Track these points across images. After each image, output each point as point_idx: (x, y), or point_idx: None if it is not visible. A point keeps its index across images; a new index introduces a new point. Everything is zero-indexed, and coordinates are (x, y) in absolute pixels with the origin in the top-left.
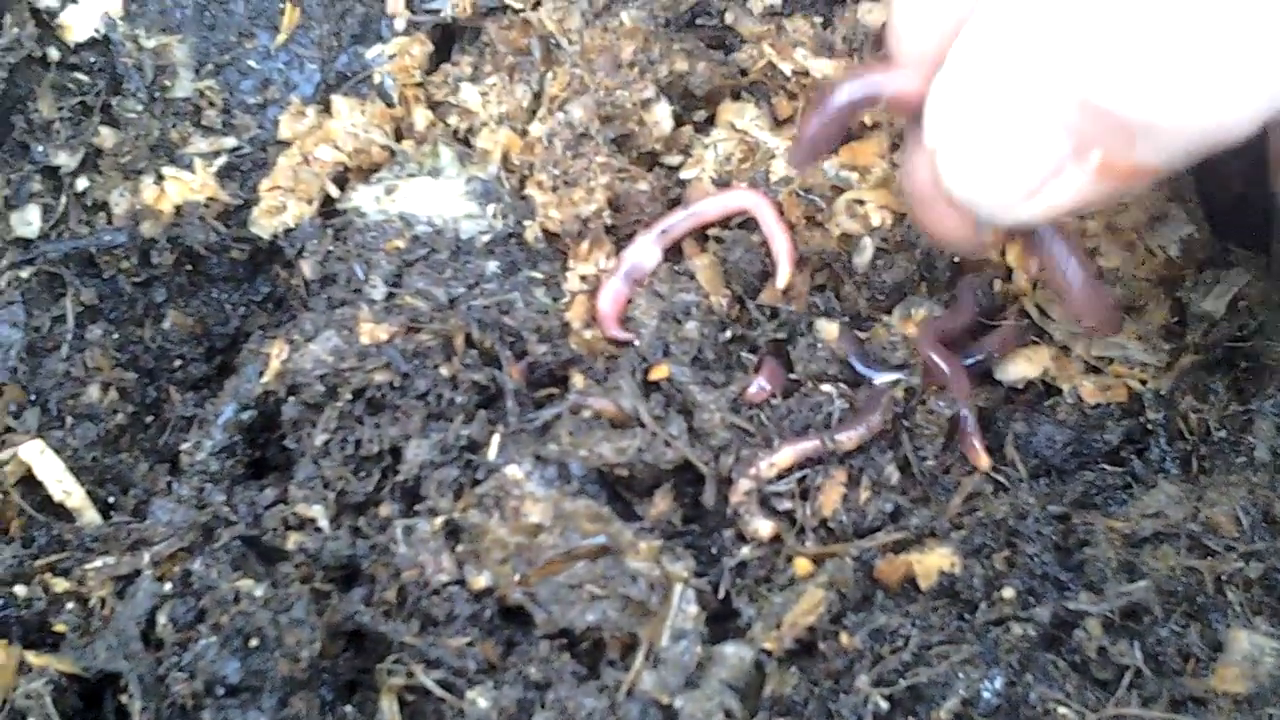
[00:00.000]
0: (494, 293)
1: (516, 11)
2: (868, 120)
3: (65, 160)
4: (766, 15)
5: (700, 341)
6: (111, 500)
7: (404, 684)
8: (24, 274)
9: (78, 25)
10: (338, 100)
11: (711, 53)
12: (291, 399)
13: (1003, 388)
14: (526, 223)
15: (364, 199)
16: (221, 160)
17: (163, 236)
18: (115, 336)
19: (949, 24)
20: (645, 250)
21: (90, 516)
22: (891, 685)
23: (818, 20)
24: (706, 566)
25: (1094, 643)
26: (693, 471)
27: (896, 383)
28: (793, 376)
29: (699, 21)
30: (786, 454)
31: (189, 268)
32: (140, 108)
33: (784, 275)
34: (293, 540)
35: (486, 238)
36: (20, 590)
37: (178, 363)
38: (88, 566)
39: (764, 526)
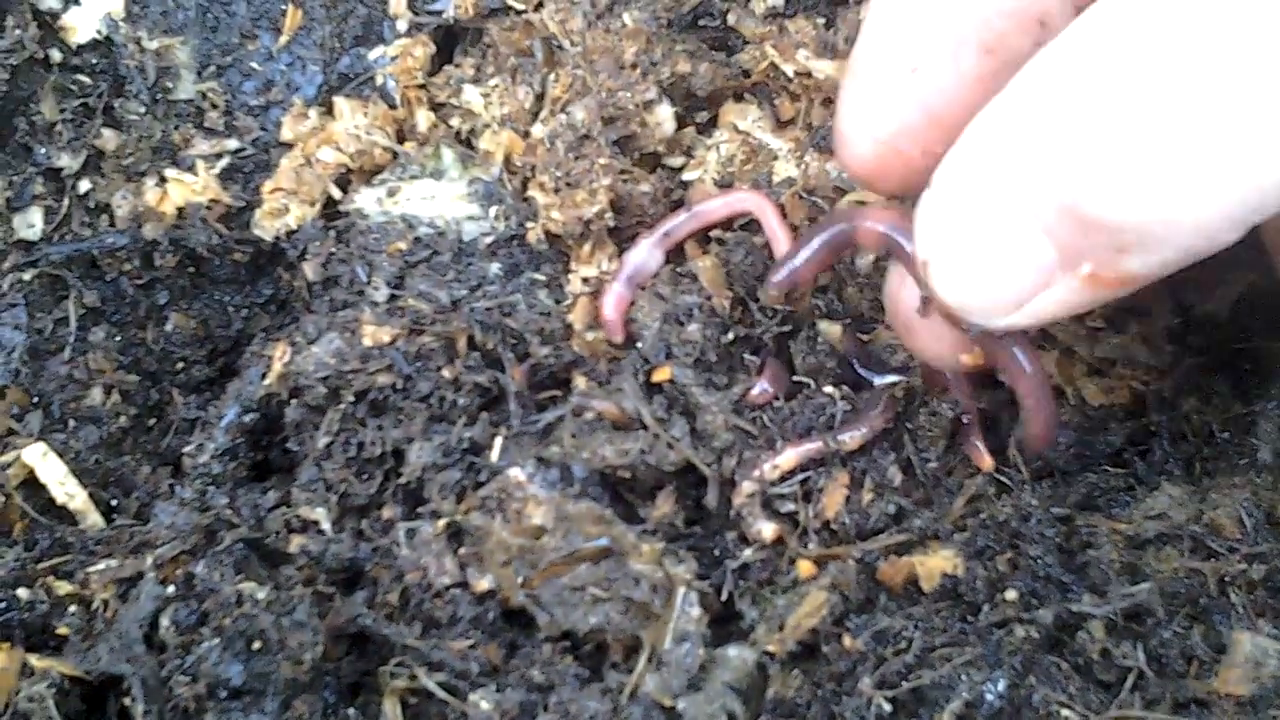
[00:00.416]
0: (496, 295)
1: (519, 13)
2: None
3: (67, 162)
4: (769, 16)
5: (703, 343)
6: (114, 503)
7: (407, 686)
8: (26, 276)
9: (80, 27)
10: (340, 102)
11: (714, 54)
12: (294, 401)
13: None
14: (529, 224)
15: (366, 201)
16: (224, 162)
17: (165, 238)
18: (118, 339)
19: (893, 128)
20: (648, 253)
21: (93, 519)
22: (894, 687)
23: (820, 21)
24: (709, 569)
25: (1097, 645)
26: (695, 473)
27: (897, 384)
28: (795, 379)
29: (701, 23)
30: (789, 456)
31: (191, 270)
32: (142, 109)
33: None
34: (295, 543)
35: (489, 239)
36: (23, 593)
37: (180, 365)
38: (90, 569)
39: (767, 529)
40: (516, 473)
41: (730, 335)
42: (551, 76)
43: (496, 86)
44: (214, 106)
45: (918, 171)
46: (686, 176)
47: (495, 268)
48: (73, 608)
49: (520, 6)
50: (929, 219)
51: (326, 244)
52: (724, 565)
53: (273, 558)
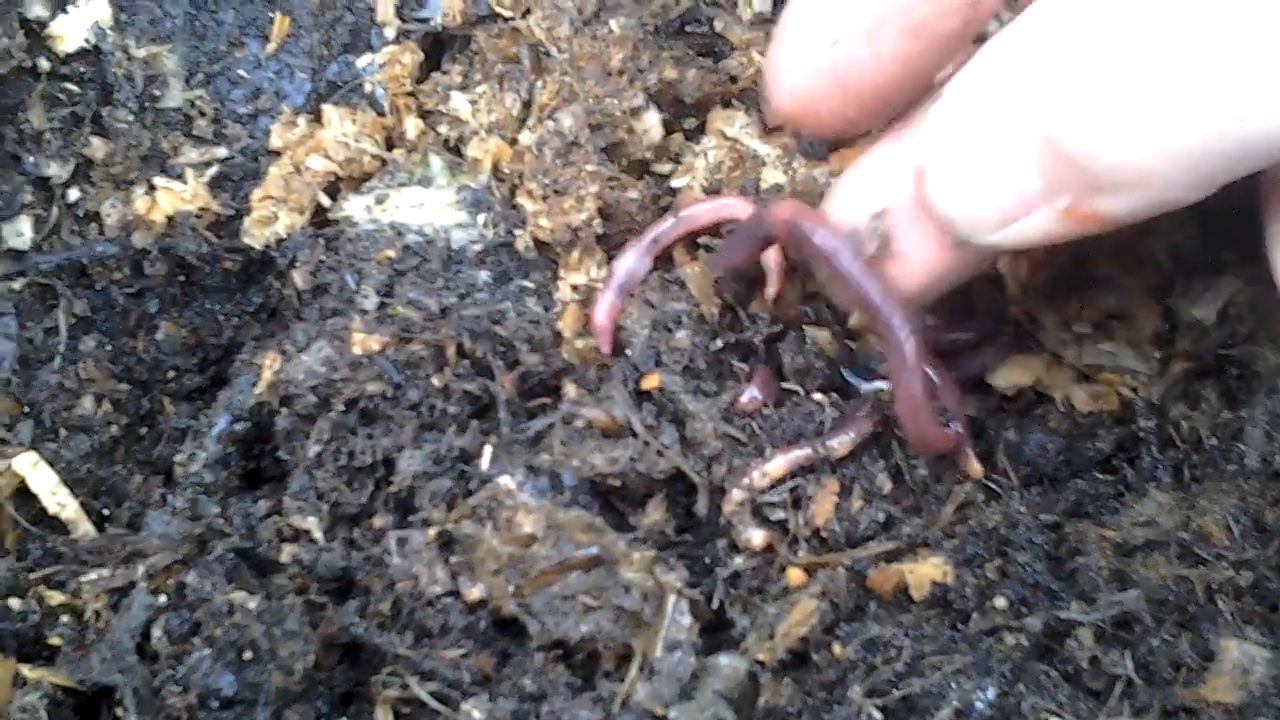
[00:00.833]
0: (485, 302)
1: (506, 20)
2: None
3: (56, 171)
4: (756, 22)
5: (692, 351)
6: (106, 512)
7: (399, 696)
8: (16, 285)
9: (68, 35)
10: (329, 109)
11: (701, 60)
12: (284, 410)
13: (994, 396)
14: (517, 232)
15: (355, 208)
16: (213, 170)
17: (155, 247)
18: (108, 348)
19: (810, 90)
20: (636, 260)
21: (84, 529)
22: (884, 695)
23: None
24: (700, 577)
25: (1086, 652)
26: (685, 481)
27: (885, 389)
28: (785, 386)
29: (688, 29)
30: (779, 463)
31: (181, 278)
32: (131, 118)
33: (774, 285)
34: (287, 552)
35: (478, 247)
36: (15, 603)
37: (171, 374)
38: (82, 579)
39: (756, 536)
40: (507, 481)
41: (719, 342)
42: (539, 83)
43: (484, 94)
44: (202, 114)
45: (837, 124)
46: (675, 183)
47: (484, 275)
48: (65, 618)
49: (508, 14)
50: (933, 128)
51: (316, 252)
52: (715, 573)
53: (264, 567)
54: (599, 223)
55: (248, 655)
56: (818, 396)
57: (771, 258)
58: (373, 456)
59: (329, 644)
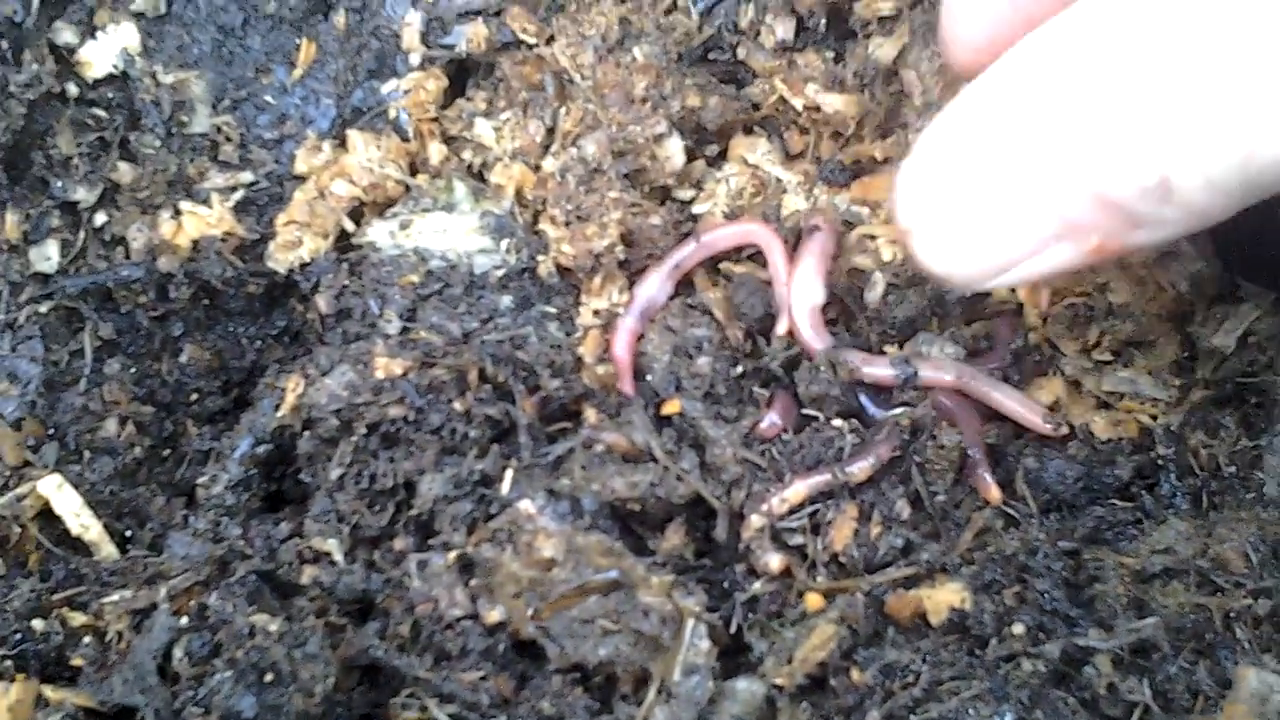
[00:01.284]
0: (507, 327)
1: (530, 47)
2: (879, 155)
3: (83, 195)
4: (778, 50)
5: (712, 376)
6: (128, 534)
7: (418, 718)
8: (42, 309)
9: (96, 61)
10: (353, 135)
11: (723, 88)
12: (307, 433)
13: (1013, 423)
14: (540, 257)
15: (379, 234)
16: (238, 195)
17: (180, 271)
18: (133, 371)
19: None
20: (658, 286)
21: (107, 550)
22: None
23: (829, 55)
24: (718, 601)
25: (1104, 679)
26: (705, 506)
27: (904, 414)
28: (804, 412)
29: (711, 56)
30: (798, 489)
31: (206, 302)
32: (158, 143)
33: (784, 322)
34: (308, 574)
35: (500, 272)
36: (38, 624)
37: (194, 397)
38: (105, 600)
39: (775, 561)
40: (527, 505)
41: (739, 368)
42: (563, 110)
43: (508, 120)
44: (228, 140)
45: None
46: (696, 209)
47: (506, 300)
48: (87, 639)
49: (532, 41)
50: (913, 187)
51: (339, 276)
52: (733, 598)
53: (285, 589)
54: (621, 249)
55: (269, 677)
56: (837, 422)
57: (781, 295)
58: (394, 479)
59: (348, 666)
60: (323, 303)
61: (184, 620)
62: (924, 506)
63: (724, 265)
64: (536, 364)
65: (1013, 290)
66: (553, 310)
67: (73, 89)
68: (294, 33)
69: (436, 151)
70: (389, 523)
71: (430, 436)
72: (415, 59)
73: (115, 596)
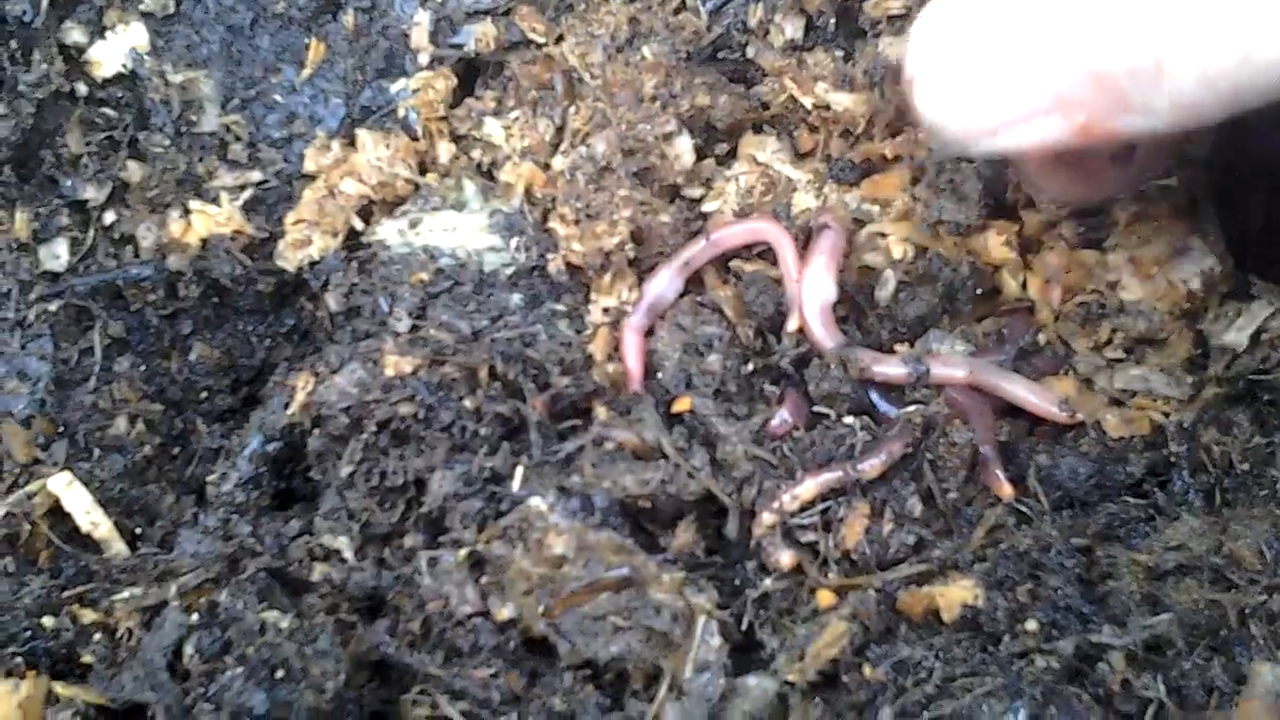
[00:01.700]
0: (517, 325)
1: (539, 46)
2: (889, 153)
3: (93, 194)
4: (787, 49)
5: (723, 374)
6: (139, 531)
7: (429, 715)
8: (52, 307)
9: (105, 61)
10: (362, 134)
11: (733, 86)
12: (316, 431)
13: (1026, 420)
14: (549, 255)
15: (388, 232)
16: (247, 194)
17: (189, 269)
18: (142, 369)
19: None
20: (667, 282)
21: (118, 548)
22: (915, 717)
23: (838, 54)
24: (729, 598)
25: (1117, 676)
26: (716, 503)
27: (916, 411)
28: (816, 409)
29: (721, 55)
30: (809, 486)
31: (215, 300)
32: (167, 142)
33: (795, 319)
34: (318, 571)
35: (510, 270)
36: (48, 621)
37: (204, 395)
38: (115, 598)
39: (786, 558)
40: (537, 502)
41: (750, 366)
42: (572, 109)
43: (517, 119)
44: (237, 139)
45: None
46: (706, 208)
47: (516, 298)
48: (97, 636)
49: (541, 40)
50: (925, 33)
51: (349, 275)
52: (744, 595)
53: (295, 586)
54: (630, 246)
55: (280, 674)
56: (848, 420)
57: (792, 290)
58: (404, 477)
59: (359, 663)
60: (332, 301)
61: (194, 617)
62: (936, 503)
63: (734, 263)
64: (546, 361)
65: (1024, 287)
66: (562, 308)
67: (82, 88)
68: (303, 32)
69: (446, 150)
70: (399, 520)
71: (440, 434)
72: (424, 58)
73: (125, 594)
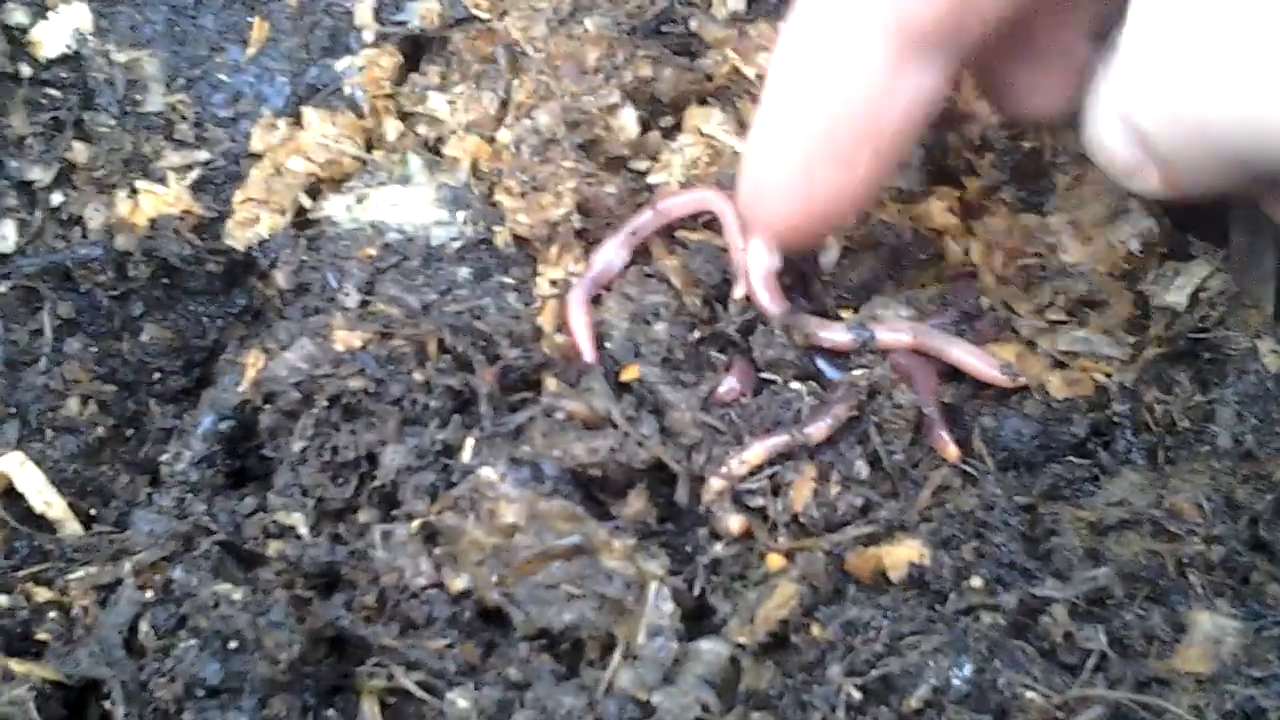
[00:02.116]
0: (466, 298)
1: (483, 22)
2: None
3: (39, 175)
4: (730, 21)
5: (670, 342)
6: (93, 512)
7: (385, 686)
8: (1, 289)
9: (49, 41)
10: (308, 112)
11: (677, 59)
12: (268, 407)
13: (970, 383)
14: (496, 228)
15: (336, 208)
16: (195, 173)
17: (138, 250)
18: (94, 350)
19: None
20: (614, 252)
21: (71, 528)
22: (863, 675)
23: (780, 25)
24: (681, 564)
25: (1060, 628)
26: (666, 471)
27: (861, 374)
28: (763, 375)
29: (664, 29)
30: (757, 451)
31: (165, 281)
32: (112, 122)
33: (741, 287)
34: (273, 548)
35: (457, 244)
36: (3, 600)
37: (156, 375)
38: (70, 576)
39: (735, 523)
40: (488, 472)
41: (697, 334)
42: (516, 83)
43: (462, 94)
44: (183, 118)
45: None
46: (652, 180)
47: (464, 272)
48: (52, 614)
49: (485, 15)
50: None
51: (297, 252)
52: (696, 561)
53: (250, 562)
54: (577, 218)
55: (233, 645)
56: (795, 385)
57: (738, 259)
58: (356, 452)
59: (316, 638)
60: (281, 278)
61: (149, 594)
62: (882, 466)
63: (680, 233)
64: (496, 334)
65: (967, 253)
66: (511, 281)
67: (25, 69)
68: (246, 11)
69: (392, 127)
70: (353, 495)
71: (391, 407)
72: (369, 36)
73: (80, 572)
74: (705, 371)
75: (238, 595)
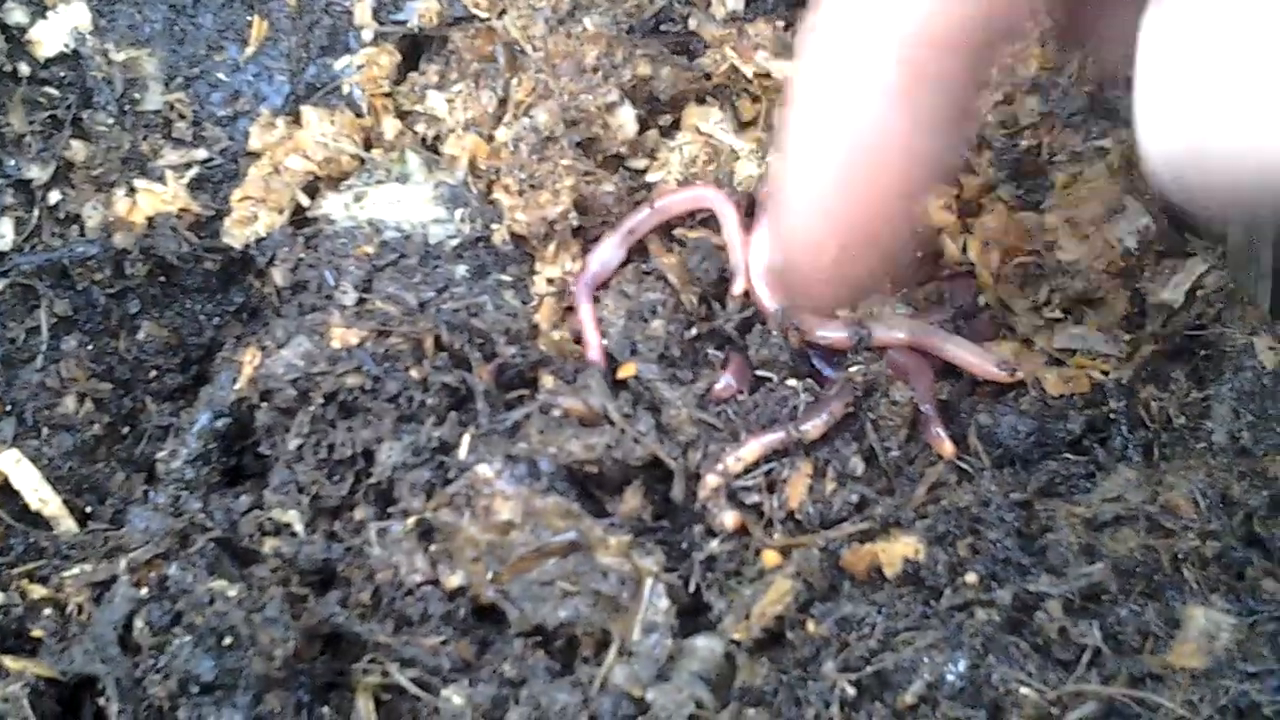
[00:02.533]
0: (463, 296)
1: (482, 20)
2: None
3: (37, 173)
4: (728, 20)
5: (666, 339)
6: (88, 509)
7: (380, 683)
8: None
9: (47, 40)
10: (307, 111)
11: (675, 58)
12: (265, 405)
13: (967, 380)
14: (494, 226)
15: (334, 206)
16: (193, 172)
17: (135, 248)
18: (90, 348)
19: None
20: (611, 251)
21: (67, 525)
22: (858, 671)
23: (779, 24)
24: (676, 561)
25: (1055, 624)
26: (661, 468)
27: (856, 371)
28: (759, 372)
29: (663, 28)
30: (753, 448)
31: (162, 279)
32: (111, 121)
33: (740, 283)
34: (269, 546)
35: (455, 242)
36: None
37: (153, 373)
38: (65, 574)
39: (731, 519)
40: (484, 469)
41: (694, 331)
42: (514, 81)
43: (460, 92)
44: (182, 117)
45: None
46: (650, 178)
47: (462, 269)
48: (47, 611)
49: (483, 14)
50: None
51: (295, 250)
52: (691, 557)
53: (246, 560)
54: (574, 216)
55: (228, 641)
56: (791, 382)
57: (736, 256)
58: (352, 449)
59: (311, 635)
60: (279, 276)
61: (144, 591)
62: (878, 462)
63: (678, 231)
64: (493, 332)
65: (965, 250)
66: (508, 278)
67: (24, 68)
68: (245, 10)
69: (390, 125)
70: (349, 492)
71: (388, 405)
72: (368, 35)
73: (75, 570)
74: (701, 368)
75: (233, 592)
